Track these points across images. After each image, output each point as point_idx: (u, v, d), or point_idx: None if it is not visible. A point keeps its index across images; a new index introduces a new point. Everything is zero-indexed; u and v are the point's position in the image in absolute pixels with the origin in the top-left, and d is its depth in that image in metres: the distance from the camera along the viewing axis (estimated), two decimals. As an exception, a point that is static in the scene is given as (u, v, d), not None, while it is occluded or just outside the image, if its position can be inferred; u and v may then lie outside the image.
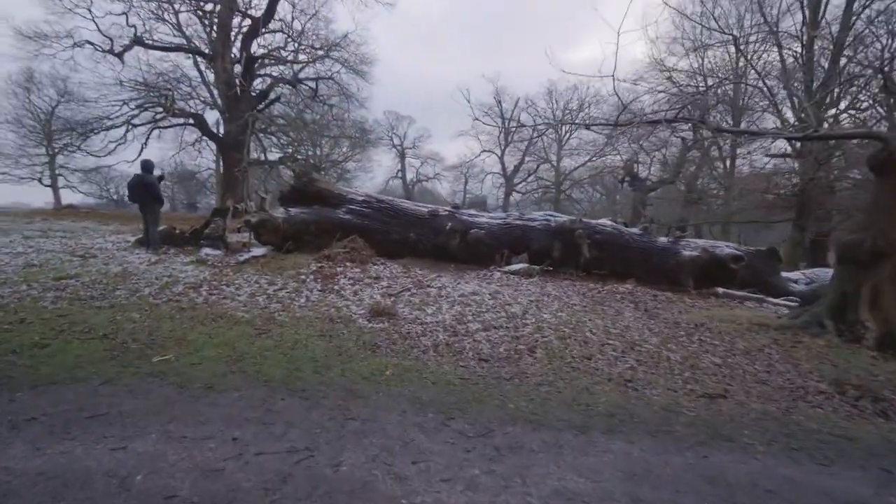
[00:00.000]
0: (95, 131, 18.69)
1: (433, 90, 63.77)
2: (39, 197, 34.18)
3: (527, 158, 33.02)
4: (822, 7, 17.48)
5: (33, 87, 25.55)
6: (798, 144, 17.49)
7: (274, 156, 27.82)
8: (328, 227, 9.16)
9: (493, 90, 34.06)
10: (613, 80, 6.24)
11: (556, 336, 5.11)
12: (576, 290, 8.15)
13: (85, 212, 18.26)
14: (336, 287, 6.56)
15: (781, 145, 22.17)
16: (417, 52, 70.81)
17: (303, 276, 6.90)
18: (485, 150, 35.14)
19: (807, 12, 17.47)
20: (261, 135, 26.69)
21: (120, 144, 19.36)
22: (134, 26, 19.12)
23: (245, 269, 7.16)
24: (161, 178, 9.13)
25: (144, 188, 8.40)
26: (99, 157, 20.01)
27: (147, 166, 8.79)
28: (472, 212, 10.10)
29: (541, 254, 9.66)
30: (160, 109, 19.54)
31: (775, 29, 17.84)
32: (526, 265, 9.33)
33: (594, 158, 31.49)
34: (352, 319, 5.02)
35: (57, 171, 26.71)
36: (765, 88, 17.45)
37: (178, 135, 23.93)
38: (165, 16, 20.18)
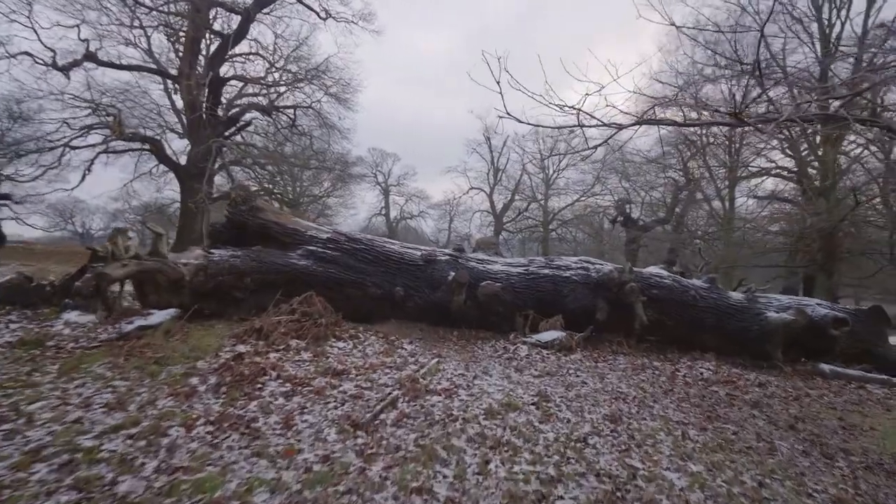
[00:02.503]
0: (22, 154, 15.07)
1: (420, 128, 61.23)
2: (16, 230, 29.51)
3: (516, 197, 30.44)
4: (834, 39, 15.48)
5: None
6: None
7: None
8: (274, 279, 5.85)
9: (482, 126, 31.84)
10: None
11: None
12: (651, 381, 4.99)
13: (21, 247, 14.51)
14: (252, 409, 3.18)
15: (769, 186, 20.08)
16: (405, 90, 68.77)
17: (195, 381, 3.50)
18: (473, 188, 32.54)
19: (818, 46, 15.50)
20: (236, 168, 23.50)
21: (51, 169, 15.72)
22: (86, 40, 15.97)
23: (89, 362, 3.71)
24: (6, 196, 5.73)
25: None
26: (21, 183, 16.20)
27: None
28: (482, 257, 6.93)
29: (578, 315, 6.51)
30: (109, 132, 16.14)
31: (783, 64, 15.75)
32: (561, 333, 6.14)
33: (582, 198, 29.16)
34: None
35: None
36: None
37: (143, 162, 20.45)
38: (134, 37, 17.17)
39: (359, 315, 6.22)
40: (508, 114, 3.87)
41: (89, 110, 15.85)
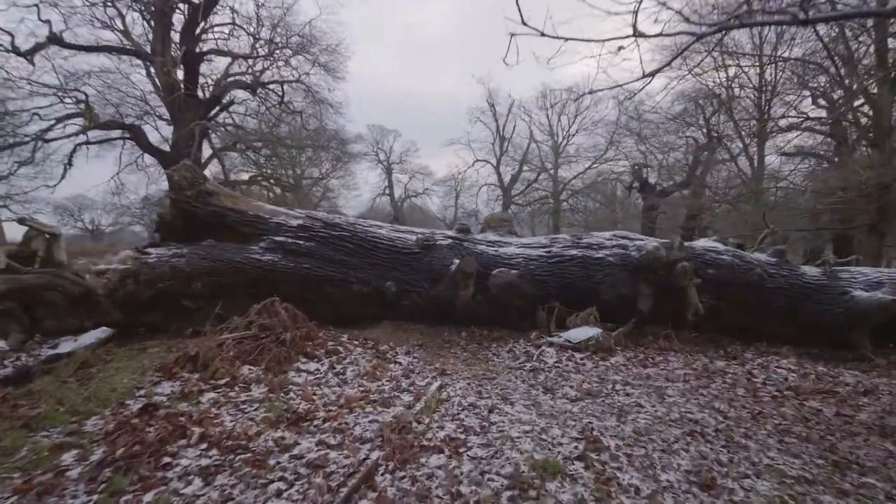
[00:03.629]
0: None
1: (420, 101, 57.92)
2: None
3: (524, 167, 28.65)
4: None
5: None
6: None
7: (243, 176, 23.37)
8: (232, 280, 4.62)
9: (486, 92, 29.62)
10: None
11: None
12: (727, 396, 3.71)
13: None
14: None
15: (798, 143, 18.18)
16: (399, 58, 64.82)
17: (70, 458, 2.32)
18: (478, 160, 30.73)
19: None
20: (234, 154, 22.26)
21: (24, 165, 14.57)
22: (48, 21, 14.55)
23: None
24: None
25: None
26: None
27: None
28: (493, 238, 5.61)
29: (615, 306, 5.20)
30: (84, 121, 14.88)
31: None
32: (597, 330, 4.85)
33: (595, 164, 27.36)
34: None
35: (-1, 203, 21.29)
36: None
37: (129, 152, 19.13)
38: (108, 18, 15.67)
39: (343, 318, 5.01)
40: (525, 23, 2.48)
41: (57, 98, 14.54)
